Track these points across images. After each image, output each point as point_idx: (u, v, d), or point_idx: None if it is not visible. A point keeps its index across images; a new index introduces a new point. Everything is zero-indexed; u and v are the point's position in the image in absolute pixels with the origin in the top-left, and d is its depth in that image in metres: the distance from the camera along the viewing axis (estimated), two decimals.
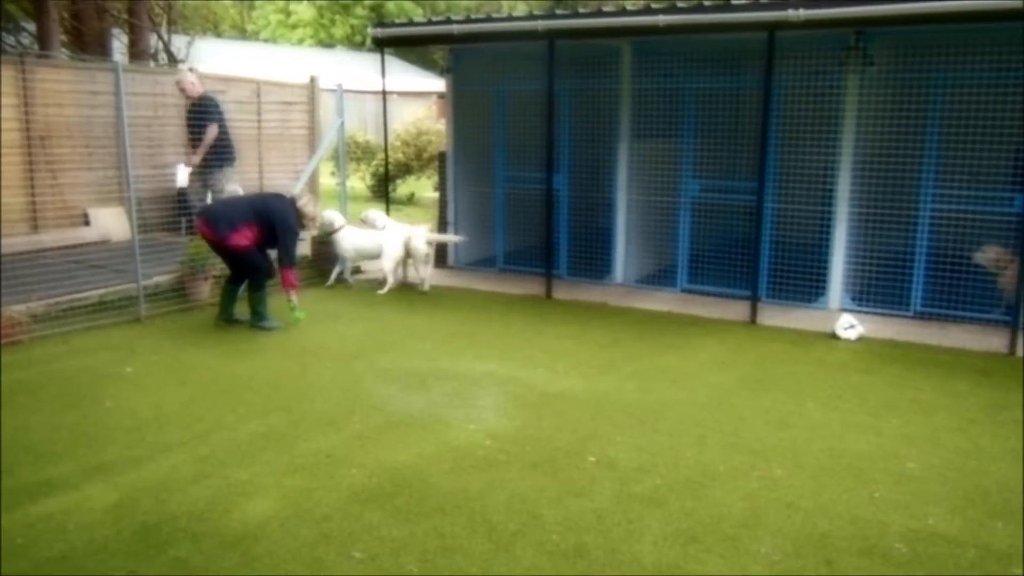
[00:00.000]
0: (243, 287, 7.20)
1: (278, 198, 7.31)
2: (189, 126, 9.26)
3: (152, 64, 13.81)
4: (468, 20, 8.66)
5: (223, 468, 4.37)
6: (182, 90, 9.16)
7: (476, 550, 3.59)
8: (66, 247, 8.84)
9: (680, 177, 8.28)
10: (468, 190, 9.83)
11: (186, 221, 9.16)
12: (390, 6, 37.07)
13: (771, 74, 7.12)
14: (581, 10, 8.29)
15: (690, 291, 8.43)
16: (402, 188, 17.28)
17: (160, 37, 14.36)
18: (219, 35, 32.26)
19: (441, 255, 9.69)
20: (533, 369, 6.08)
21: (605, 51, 8.57)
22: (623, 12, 7.79)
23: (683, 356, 6.46)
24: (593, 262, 8.88)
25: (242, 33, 39.62)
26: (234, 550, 3.58)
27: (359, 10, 38.04)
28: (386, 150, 10.73)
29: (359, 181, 17.67)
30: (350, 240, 8.78)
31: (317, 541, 3.65)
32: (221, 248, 7.01)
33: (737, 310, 7.67)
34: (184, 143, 9.44)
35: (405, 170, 16.96)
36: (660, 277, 8.78)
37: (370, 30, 9.32)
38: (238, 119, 10.73)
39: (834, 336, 6.91)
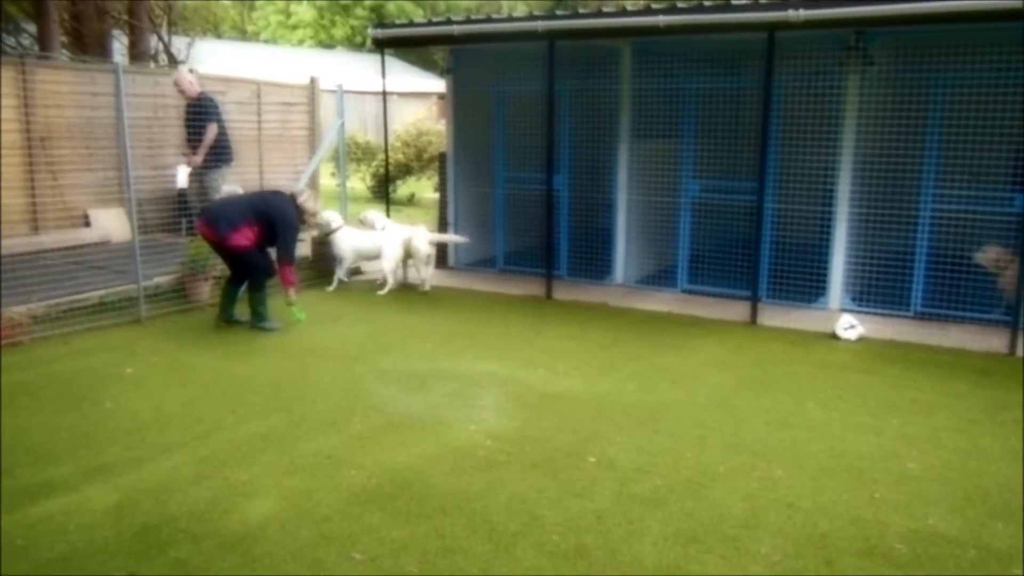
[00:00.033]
0: (243, 288, 7.20)
1: (278, 195, 7.30)
2: (187, 126, 9.25)
3: (152, 65, 13.82)
4: (468, 21, 8.67)
5: (223, 469, 4.37)
6: (180, 90, 9.16)
7: (476, 551, 3.59)
8: (66, 248, 8.84)
9: (680, 177, 8.28)
10: (468, 191, 9.83)
11: (186, 222, 9.17)
12: (390, 7, 37.08)
13: (771, 74, 7.12)
14: (581, 11, 8.28)
15: (690, 291, 8.43)
16: (402, 189, 17.29)
17: (160, 38, 14.38)
18: (219, 36, 32.28)
19: (441, 256, 9.69)
20: (533, 369, 6.08)
21: (605, 51, 8.57)
22: (623, 12, 7.80)
23: (683, 356, 6.46)
24: (593, 263, 8.88)
25: (242, 34, 39.63)
26: (234, 551, 3.58)
27: (359, 11, 38.06)
28: (386, 151, 10.73)
29: (359, 182, 17.68)
30: (348, 241, 8.78)
31: (317, 542, 3.65)
32: (221, 248, 7.01)
33: (737, 310, 7.67)
34: (181, 142, 9.43)
35: (405, 171, 16.96)
36: (660, 277, 8.78)
37: (370, 31, 9.32)
38: (238, 120, 10.73)
39: (834, 336, 6.90)
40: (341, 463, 4.45)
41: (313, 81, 11.96)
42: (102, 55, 12.80)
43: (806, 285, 7.67)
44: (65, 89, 9.12)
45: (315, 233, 8.93)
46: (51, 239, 8.88)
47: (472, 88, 9.62)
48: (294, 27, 39.10)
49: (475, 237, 9.77)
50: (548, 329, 7.22)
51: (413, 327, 7.32)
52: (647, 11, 7.62)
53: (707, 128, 8.17)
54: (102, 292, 7.42)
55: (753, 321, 7.44)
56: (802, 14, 6.72)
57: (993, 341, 6.70)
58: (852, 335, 6.85)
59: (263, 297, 7.13)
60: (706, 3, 7.37)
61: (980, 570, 3.49)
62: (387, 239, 8.67)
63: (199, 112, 9.00)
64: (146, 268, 7.53)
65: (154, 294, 7.63)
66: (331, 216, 8.82)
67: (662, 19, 7.31)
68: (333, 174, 15.01)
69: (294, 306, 7.20)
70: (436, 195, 11.75)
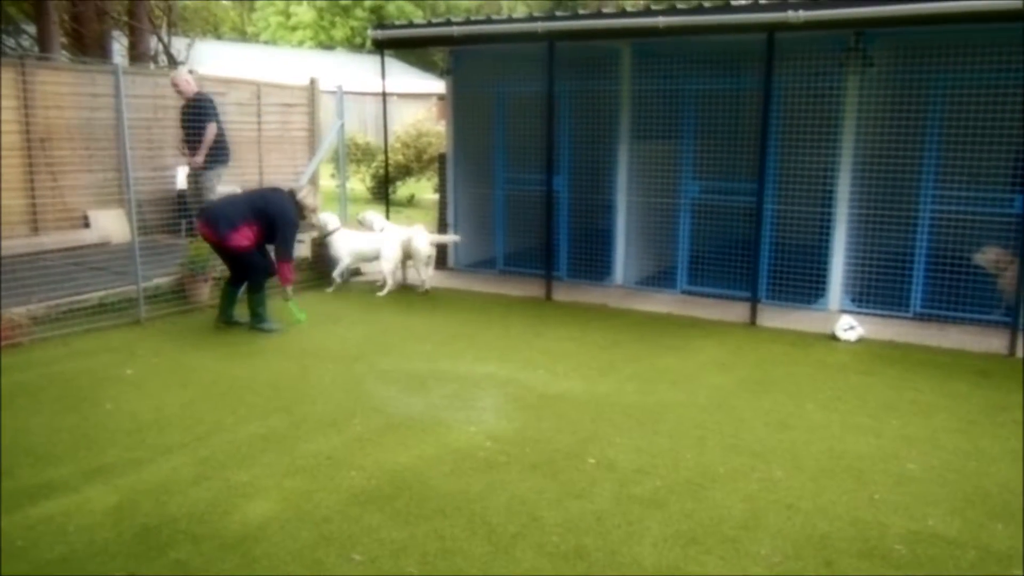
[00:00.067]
0: (243, 289, 7.20)
1: (277, 192, 7.30)
2: (184, 125, 9.25)
3: (152, 66, 13.83)
4: (468, 22, 8.67)
5: (223, 470, 4.37)
6: (177, 89, 9.16)
7: (476, 552, 3.59)
8: (66, 249, 8.85)
9: (680, 178, 8.28)
10: (468, 192, 9.83)
11: (186, 223, 9.17)
12: (390, 8, 37.09)
13: (771, 75, 7.12)
14: (581, 12, 8.29)
15: (690, 293, 8.44)
16: (402, 190, 17.30)
17: (160, 39, 14.39)
18: (219, 37, 32.28)
19: (441, 257, 9.69)
20: (533, 371, 6.08)
21: (605, 53, 8.58)
22: (623, 13, 7.81)
23: (683, 358, 6.46)
24: (593, 264, 8.88)
25: (242, 35, 39.65)
26: (234, 552, 3.58)
27: (359, 12, 38.07)
28: (386, 152, 10.74)
29: (359, 183, 17.68)
30: (345, 243, 8.73)
31: (317, 543, 3.65)
32: (221, 249, 7.01)
33: (737, 311, 7.67)
34: (179, 142, 9.42)
35: (405, 172, 16.97)
36: (660, 279, 8.78)
37: (370, 32, 9.33)
38: (238, 121, 10.74)
39: (834, 337, 6.91)
40: (341, 464, 4.45)
41: (313, 82, 11.97)
42: (102, 56, 12.81)
43: (806, 286, 7.67)
44: (65, 90, 9.13)
45: (315, 234, 8.91)
46: (51, 240, 8.89)
47: (472, 89, 9.63)
48: (294, 28, 39.11)
49: (475, 238, 9.77)
50: (548, 330, 7.22)
51: (413, 328, 7.32)
52: (647, 12, 7.62)
53: (707, 129, 8.17)
54: (102, 293, 7.42)
55: (753, 322, 7.44)
56: (802, 15, 6.73)
57: (992, 342, 6.70)
58: (852, 336, 6.85)
59: (262, 298, 7.13)
60: (706, 4, 7.38)
61: (980, 571, 3.49)
62: (386, 240, 8.67)
63: (196, 112, 8.99)
64: (146, 269, 7.53)
65: (154, 295, 7.63)
66: (328, 218, 8.77)
67: (662, 20, 7.31)
68: (333, 175, 15.01)
69: (294, 305, 7.20)
70: (436, 196, 11.76)
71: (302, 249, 9.12)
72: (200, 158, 9.08)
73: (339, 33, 38.35)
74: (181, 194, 9.64)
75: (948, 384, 5.80)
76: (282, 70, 20.88)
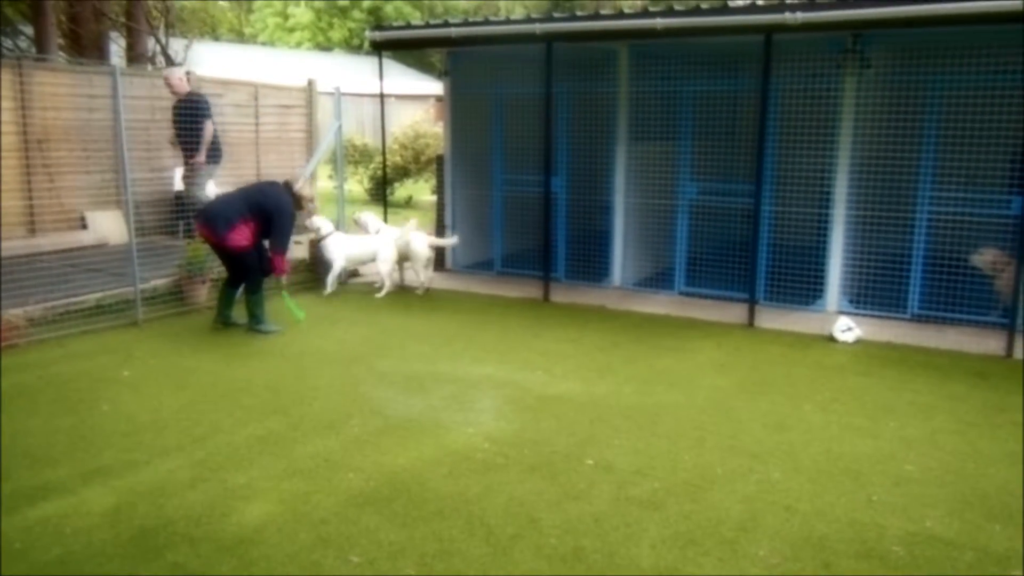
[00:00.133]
0: (241, 290, 7.19)
1: (272, 185, 7.28)
2: (176, 123, 9.23)
3: (150, 67, 13.81)
4: (466, 23, 8.67)
5: (221, 472, 4.36)
6: (170, 86, 9.15)
7: (474, 554, 3.59)
8: (63, 251, 8.84)
9: (678, 180, 8.29)
10: (466, 193, 9.83)
11: (184, 224, 9.16)
12: (388, 9, 37.10)
13: (768, 77, 7.13)
14: (579, 13, 8.29)
15: (688, 294, 8.44)
16: (400, 191, 17.29)
17: (158, 40, 14.37)
18: (217, 38, 32.26)
19: (439, 258, 9.68)
20: (531, 372, 6.08)
21: (602, 54, 8.58)
22: (621, 15, 7.83)
23: (681, 359, 6.46)
24: (591, 265, 8.88)
25: (240, 36, 39.63)
26: (232, 554, 3.58)
27: (357, 13, 38.06)
28: (384, 153, 10.73)
29: (357, 184, 17.67)
30: (339, 247, 8.61)
31: (315, 545, 3.65)
32: (221, 249, 7.00)
33: (735, 313, 7.67)
34: (171, 136, 9.40)
35: (403, 173, 16.97)
36: (658, 280, 8.78)
37: (368, 33, 9.33)
38: (236, 122, 10.74)
39: (832, 339, 6.91)
40: (339, 466, 4.44)
41: (311, 83, 11.97)
42: (99, 57, 12.80)
43: (803, 287, 7.67)
44: (62, 91, 9.12)
45: (313, 236, 8.87)
46: (48, 241, 8.87)
47: (470, 90, 9.63)
48: (291, 29, 39.10)
49: (473, 239, 9.77)
50: (546, 332, 7.22)
51: (411, 330, 7.32)
52: (645, 13, 7.64)
53: (704, 130, 8.18)
54: (99, 295, 7.41)
55: (751, 323, 7.45)
56: (799, 17, 6.74)
57: (990, 343, 6.71)
58: (849, 337, 6.86)
59: (260, 299, 7.12)
60: (703, 6, 7.38)
61: (978, 572, 3.49)
62: (382, 242, 8.65)
63: (189, 111, 8.98)
64: (143, 271, 7.52)
65: (151, 297, 7.63)
66: (321, 222, 8.66)
67: (660, 22, 7.32)
68: (331, 176, 14.99)
69: (292, 303, 7.19)
70: (434, 197, 11.75)
71: (300, 250, 9.11)
72: (202, 157, 9.09)
73: (337, 34, 38.35)
74: (179, 195, 9.63)
75: (946, 385, 5.81)
76: (280, 71, 20.87)
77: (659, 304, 8.19)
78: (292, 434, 4.88)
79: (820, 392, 5.67)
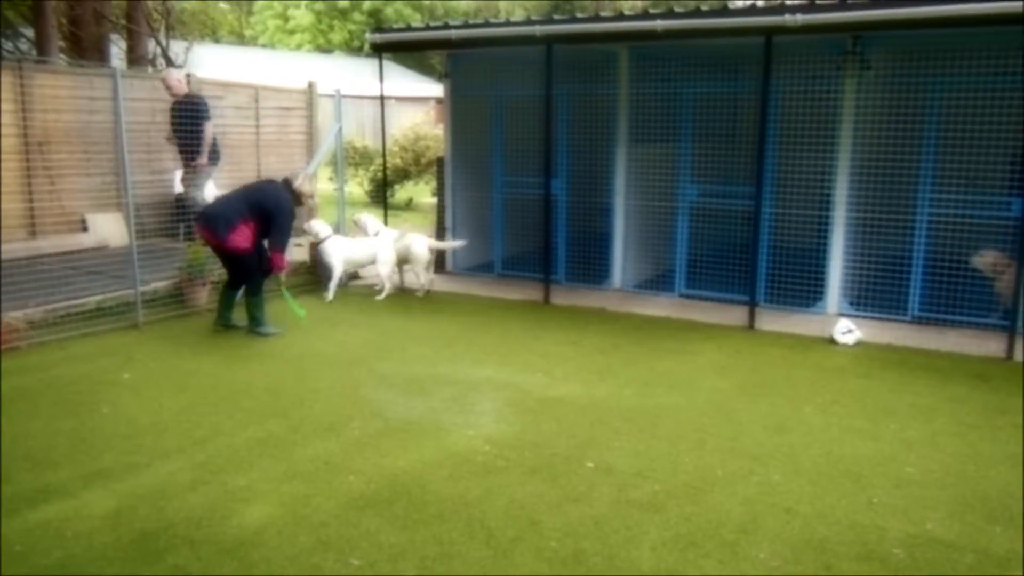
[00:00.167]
0: (241, 292, 7.19)
1: (271, 183, 7.28)
2: (173, 125, 9.24)
3: (150, 70, 13.82)
4: (466, 25, 8.68)
5: (221, 475, 4.36)
6: (168, 88, 9.16)
7: (474, 557, 3.59)
8: (64, 253, 8.84)
9: (678, 182, 8.29)
10: (466, 195, 9.83)
11: (184, 227, 9.16)
12: (388, 11, 37.14)
13: (769, 79, 7.14)
14: (579, 15, 8.29)
15: (688, 296, 8.44)
16: (400, 193, 17.30)
17: (158, 42, 14.37)
18: (217, 40, 32.28)
19: (439, 260, 9.68)
20: (531, 374, 6.08)
21: (602, 56, 8.59)
22: (621, 17, 7.83)
23: (681, 361, 6.46)
24: (591, 267, 8.88)
25: (240, 38, 39.65)
26: (232, 557, 3.58)
27: (357, 15, 38.10)
28: (384, 155, 10.73)
29: (357, 186, 17.68)
30: (338, 250, 8.55)
31: (315, 548, 3.65)
32: (222, 251, 7.00)
33: (735, 315, 7.67)
34: (169, 134, 9.40)
35: (403, 175, 16.97)
36: (658, 282, 8.78)
37: (368, 35, 9.34)
38: (236, 124, 10.74)
39: (832, 341, 6.91)
40: (339, 468, 4.44)
41: (311, 85, 11.98)
42: (100, 59, 12.80)
43: (804, 289, 7.67)
44: (63, 93, 9.13)
45: (312, 239, 8.85)
46: (49, 244, 8.88)
47: (470, 92, 9.63)
48: (292, 32, 39.13)
49: (473, 242, 9.77)
50: (546, 334, 7.22)
51: (411, 332, 7.32)
52: (645, 15, 7.65)
53: (705, 132, 8.18)
54: (99, 297, 7.41)
55: (751, 326, 7.45)
56: (800, 19, 6.74)
57: (991, 345, 6.71)
58: (850, 339, 6.86)
59: (260, 302, 7.12)
60: (703, 8, 7.39)
61: (978, 574, 3.49)
62: (381, 244, 8.63)
63: (189, 112, 8.99)
64: (144, 273, 7.53)
65: (152, 299, 7.63)
66: (319, 226, 8.61)
67: (660, 23, 7.32)
68: (331, 179, 15.02)
69: (292, 300, 7.17)
70: (434, 200, 11.75)
71: (301, 253, 9.11)
72: (204, 159, 9.11)
73: (337, 37, 38.39)
74: (179, 198, 9.64)
75: (946, 388, 5.81)
76: (280, 74, 20.90)
77: (659, 306, 8.19)
78: (292, 436, 4.88)
79: (821, 394, 5.67)
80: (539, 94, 8.33)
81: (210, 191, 9.15)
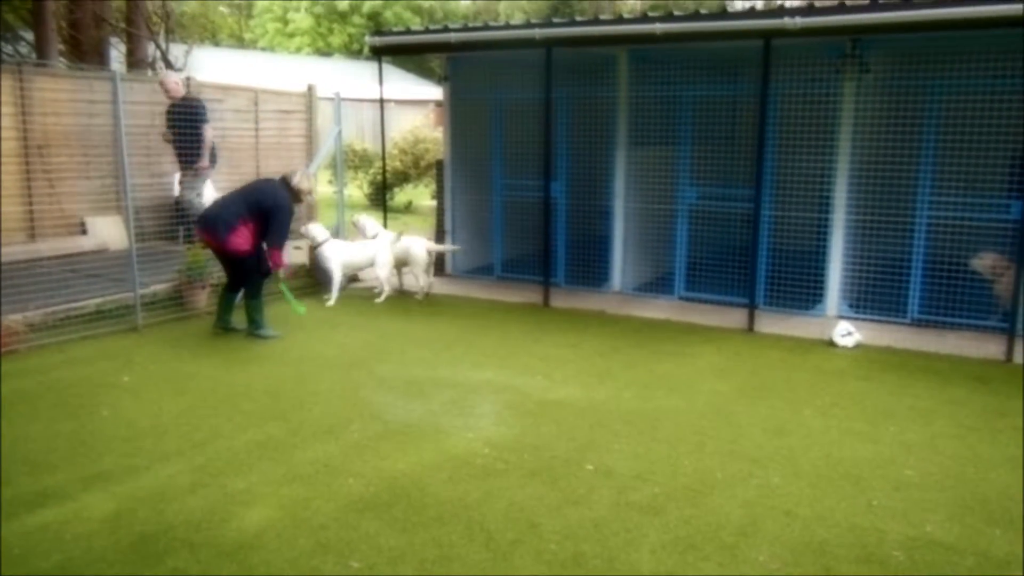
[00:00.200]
0: (240, 295, 7.19)
1: (268, 182, 7.27)
2: (170, 127, 9.25)
3: (150, 73, 13.83)
4: (465, 28, 8.69)
5: (221, 477, 4.36)
6: (166, 90, 9.17)
7: (474, 559, 3.58)
8: (63, 256, 8.84)
9: (677, 184, 8.30)
10: (466, 198, 9.84)
11: (183, 230, 9.16)
12: (387, 15, 37.19)
13: (768, 82, 7.14)
14: (578, 18, 8.29)
15: (688, 299, 8.44)
16: (400, 196, 17.30)
17: (158, 46, 14.39)
18: (217, 44, 32.32)
19: (439, 263, 9.68)
20: (531, 377, 6.08)
21: (602, 59, 8.60)
22: (620, 20, 7.83)
23: (681, 364, 6.46)
24: (591, 270, 8.88)
25: (240, 42, 39.70)
26: (232, 560, 3.57)
27: (356, 19, 38.16)
28: (384, 158, 10.74)
29: (356, 189, 17.69)
30: (336, 254, 8.50)
31: (314, 550, 3.64)
32: (222, 253, 6.99)
33: (735, 318, 7.68)
34: (163, 135, 9.40)
35: (403, 178, 16.98)
36: (658, 285, 8.79)
37: (368, 39, 9.34)
38: (236, 128, 10.75)
39: (831, 343, 6.91)
40: (339, 471, 4.44)
41: (310, 89, 11.99)
42: (100, 63, 12.81)
43: (803, 292, 7.68)
44: (63, 97, 9.13)
45: (309, 243, 8.81)
46: (48, 247, 8.88)
47: (469, 96, 9.64)
48: (291, 35, 39.20)
49: (473, 244, 9.78)
50: (546, 337, 7.22)
51: (411, 334, 7.32)
52: (644, 19, 7.65)
53: (704, 135, 8.19)
54: (99, 300, 7.41)
55: (750, 328, 7.45)
56: (798, 22, 6.75)
57: (990, 348, 6.71)
58: (849, 342, 6.86)
59: (259, 304, 7.12)
60: (702, 11, 7.39)
61: None
62: (379, 247, 8.63)
63: (185, 115, 9.00)
64: (143, 276, 7.52)
65: (151, 302, 7.62)
66: (316, 230, 8.57)
67: (659, 27, 7.33)
68: (330, 182, 15.02)
69: (291, 296, 7.15)
70: (434, 202, 11.75)
71: (300, 256, 9.12)
72: (206, 162, 9.11)
73: (336, 40, 38.44)
74: (178, 201, 9.64)
75: (946, 390, 5.81)
76: (280, 77, 20.90)
77: (659, 309, 8.19)
78: (292, 439, 4.87)
79: (820, 397, 5.67)
80: (539, 97, 8.34)
81: (208, 193, 9.16)
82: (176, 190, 9.83)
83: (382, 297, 8.60)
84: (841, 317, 7.51)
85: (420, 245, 8.69)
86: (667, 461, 4.59)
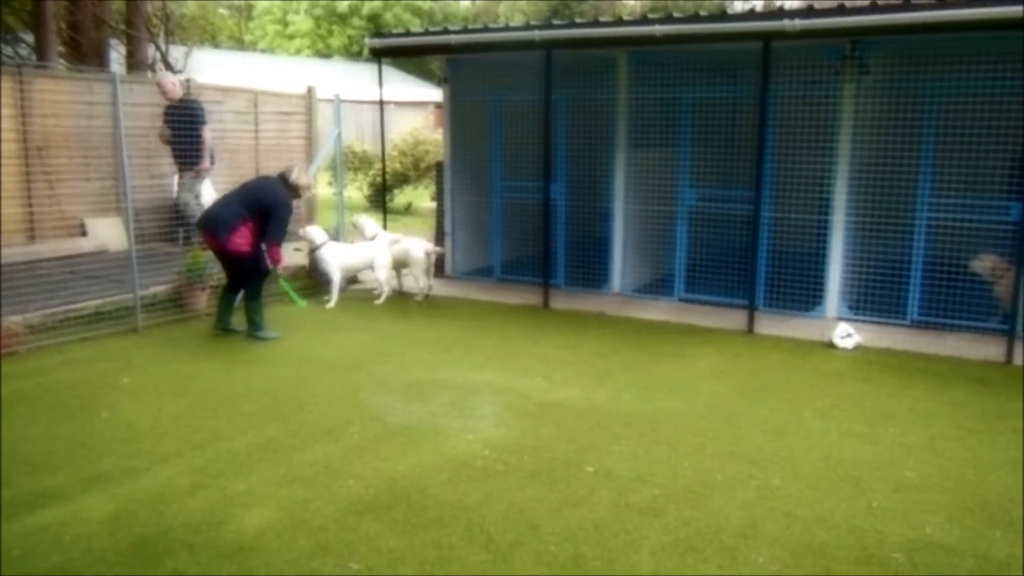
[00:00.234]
0: (240, 296, 7.19)
1: (266, 180, 7.27)
2: (168, 126, 9.24)
3: (150, 75, 13.83)
4: (465, 30, 8.69)
5: (220, 479, 4.36)
6: (163, 91, 9.17)
7: (474, 561, 3.58)
8: (63, 257, 8.84)
9: (677, 186, 8.30)
10: (466, 200, 9.84)
11: (183, 231, 9.16)
12: (387, 17, 37.21)
13: (767, 83, 7.15)
14: (578, 20, 8.30)
15: (687, 300, 8.44)
16: (400, 198, 17.31)
17: (158, 48, 14.40)
18: (217, 46, 32.33)
19: (439, 265, 9.68)
20: (531, 379, 6.08)
21: (602, 61, 8.60)
22: (620, 22, 7.83)
23: (681, 365, 6.46)
24: (590, 272, 8.88)
25: (240, 44, 39.71)
26: (231, 561, 3.57)
27: (356, 21, 38.17)
28: (383, 160, 10.74)
29: (356, 191, 17.69)
30: (334, 257, 8.48)
31: (314, 552, 3.64)
32: (223, 254, 6.99)
33: (734, 319, 7.68)
34: (160, 134, 9.40)
35: (403, 180, 16.98)
36: (657, 286, 8.79)
37: (367, 41, 9.34)
38: (236, 129, 10.75)
39: (831, 345, 6.91)
40: (338, 473, 4.44)
41: (310, 91, 11.99)
42: (99, 64, 12.81)
43: (803, 294, 7.68)
44: (63, 98, 9.13)
45: (310, 192, 8.69)
46: (48, 248, 8.88)
47: (469, 97, 9.64)
48: (291, 37, 39.21)
49: (472, 246, 9.78)
50: (545, 338, 7.22)
51: (410, 336, 7.31)
52: (644, 20, 7.65)
53: (703, 137, 8.19)
54: (99, 301, 7.40)
55: (750, 330, 7.45)
56: (798, 24, 6.75)
57: (990, 350, 6.71)
58: (849, 344, 6.86)
59: (259, 306, 7.12)
60: (702, 13, 7.39)
61: None
62: (377, 248, 8.62)
63: (183, 117, 9.00)
64: (143, 277, 7.53)
65: (151, 303, 7.62)
66: (315, 232, 8.54)
67: (659, 28, 7.33)
68: (330, 183, 15.02)
69: (291, 288, 7.15)
70: (433, 204, 11.76)
71: (299, 258, 9.12)
72: (207, 163, 9.11)
73: (336, 42, 38.45)
74: (176, 202, 9.64)
75: (946, 392, 5.81)
76: (279, 79, 20.90)
77: (659, 310, 8.19)
78: (291, 441, 4.87)
79: (820, 398, 5.67)
80: (538, 99, 8.34)
81: (208, 195, 9.16)
82: (176, 192, 9.83)
83: (382, 299, 8.60)
84: (841, 319, 7.51)
85: (419, 247, 8.69)
86: (667, 463, 4.59)
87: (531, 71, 8.49)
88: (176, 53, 15.06)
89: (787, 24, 6.78)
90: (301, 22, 38.87)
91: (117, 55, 14.57)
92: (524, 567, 3.53)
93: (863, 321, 7.47)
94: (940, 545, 3.73)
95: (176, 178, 9.70)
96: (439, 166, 10.14)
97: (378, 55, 9.33)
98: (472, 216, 9.86)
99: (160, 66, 14.24)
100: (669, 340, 7.17)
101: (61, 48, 13.13)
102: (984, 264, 6.98)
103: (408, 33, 9.27)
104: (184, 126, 8.95)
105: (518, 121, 9.21)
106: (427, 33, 9.13)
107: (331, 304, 8.37)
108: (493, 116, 9.43)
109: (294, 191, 7.15)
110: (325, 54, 37.75)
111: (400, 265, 8.83)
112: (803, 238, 7.79)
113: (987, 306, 7.06)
